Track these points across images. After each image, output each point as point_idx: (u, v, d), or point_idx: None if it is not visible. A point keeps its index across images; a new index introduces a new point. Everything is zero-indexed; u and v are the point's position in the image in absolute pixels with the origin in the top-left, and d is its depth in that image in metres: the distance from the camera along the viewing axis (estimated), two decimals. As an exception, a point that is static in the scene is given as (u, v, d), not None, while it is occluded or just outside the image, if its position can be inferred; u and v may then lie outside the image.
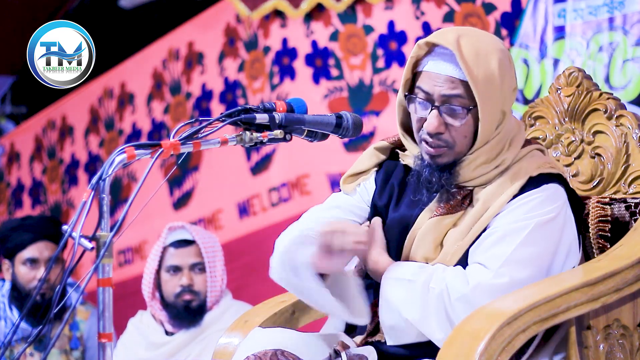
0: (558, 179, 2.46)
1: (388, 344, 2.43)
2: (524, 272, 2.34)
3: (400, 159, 2.58)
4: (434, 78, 2.41)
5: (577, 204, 2.51)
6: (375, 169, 2.60)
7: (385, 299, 2.42)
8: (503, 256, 2.34)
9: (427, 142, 2.43)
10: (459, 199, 2.44)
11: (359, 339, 2.53)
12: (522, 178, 2.41)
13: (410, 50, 2.48)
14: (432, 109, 2.40)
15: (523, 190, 2.41)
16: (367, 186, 2.60)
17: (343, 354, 2.38)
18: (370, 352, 2.42)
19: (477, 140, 2.42)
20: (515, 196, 2.40)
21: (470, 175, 2.45)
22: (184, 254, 3.97)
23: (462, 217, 2.44)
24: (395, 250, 2.49)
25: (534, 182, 2.42)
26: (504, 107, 2.44)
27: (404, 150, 2.57)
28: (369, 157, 2.61)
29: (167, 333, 4.01)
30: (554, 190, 2.43)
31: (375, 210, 2.56)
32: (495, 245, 2.36)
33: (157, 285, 3.99)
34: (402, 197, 2.53)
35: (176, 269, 3.96)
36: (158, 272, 3.99)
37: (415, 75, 2.47)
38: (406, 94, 2.47)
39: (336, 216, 2.56)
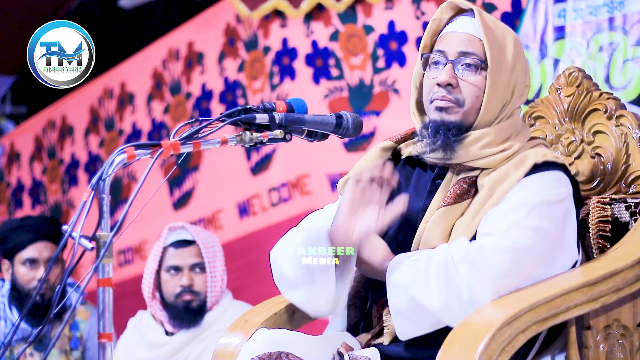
0: (563, 168, 2.46)
1: (400, 338, 2.41)
2: (528, 240, 2.33)
3: (401, 154, 2.58)
4: (452, 37, 2.49)
5: (578, 199, 2.50)
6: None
7: (392, 282, 2.40)
8: (507, 223, 2.35)
9: (437, 98, 2.46)
10: (465, 187, 2.45)
11: (363, 337, 2.52)
12: (527, 164, 2.42)
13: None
14: (446, 64, 2.46)
15: (528, 176, 2.41)
16: None
17: (346, 356, 2.38)
18: (374, 354, 2.40)
19: (483, 105, 2.44)
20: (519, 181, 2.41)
21: (476, 154, 2.45)
22: (184, 254, 3.97)
23: (468, 206, 2.44)
24: (401, 243, 2.48)
25: (539, 169, 2.42)
26: (514, 89, 2.47)
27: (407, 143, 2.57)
28: (373, 158, 2.60)
29: (167, 333, 4.01)
30: (560, 176, 2.44)
31: None
32: (500, 217, 2.37)
33: (157, 285, 3.99)
34: (405, 191, 2.53)
35: (176, 269, 3.96)
36: (158, 272, 3.99)
37: (434, 44, 2.53)
38: (423, 54, 2.51)
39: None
